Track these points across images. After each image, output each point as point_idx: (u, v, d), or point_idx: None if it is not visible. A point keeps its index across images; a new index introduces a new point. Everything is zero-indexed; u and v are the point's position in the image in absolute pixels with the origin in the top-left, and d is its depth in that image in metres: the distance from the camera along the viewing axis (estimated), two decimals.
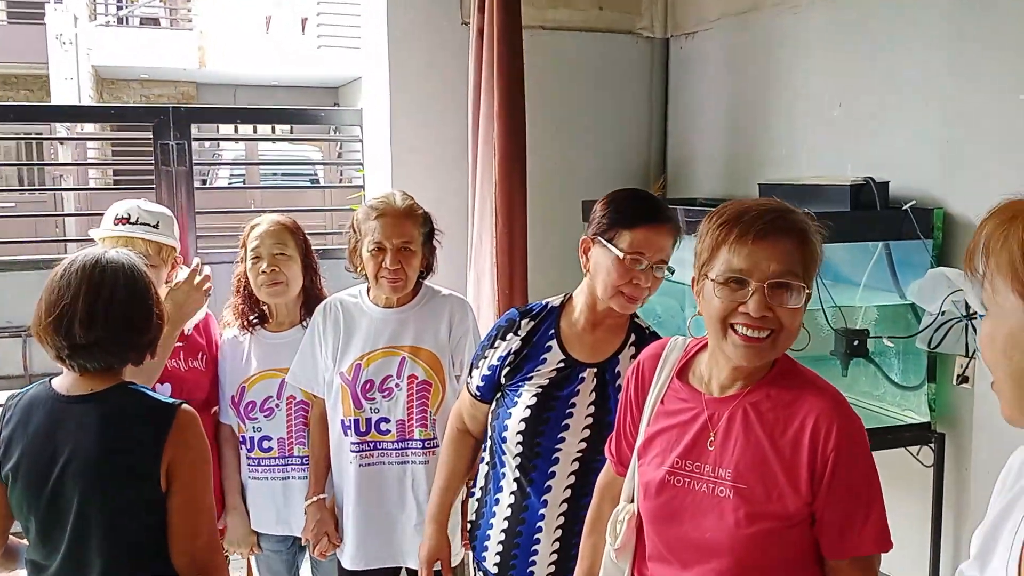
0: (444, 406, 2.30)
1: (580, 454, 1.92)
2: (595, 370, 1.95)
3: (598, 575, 1.72)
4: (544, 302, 2.07)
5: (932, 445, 2.45)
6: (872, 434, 2.30)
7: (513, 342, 2.01)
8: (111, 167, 9.33)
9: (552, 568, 1.94)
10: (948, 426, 2.45)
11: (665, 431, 1.58)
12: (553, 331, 2.01)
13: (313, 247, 2.60)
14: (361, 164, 3.69)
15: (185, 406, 1.77)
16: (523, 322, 2.04)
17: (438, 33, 3.19)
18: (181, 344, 2.51)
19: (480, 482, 2.09)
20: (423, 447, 2.32)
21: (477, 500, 2.08)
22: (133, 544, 1.74)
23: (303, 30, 13.63)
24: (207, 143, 10.26)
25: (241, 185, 5.98)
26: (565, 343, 1.99)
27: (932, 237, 2.40)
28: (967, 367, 2.37)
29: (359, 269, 2.34)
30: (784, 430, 1.48)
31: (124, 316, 1.74)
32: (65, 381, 1.78)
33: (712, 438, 1.52)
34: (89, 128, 7.08)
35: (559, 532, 1.93)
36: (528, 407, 1.94)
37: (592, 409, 1.93)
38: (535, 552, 1.96)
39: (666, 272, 1.91)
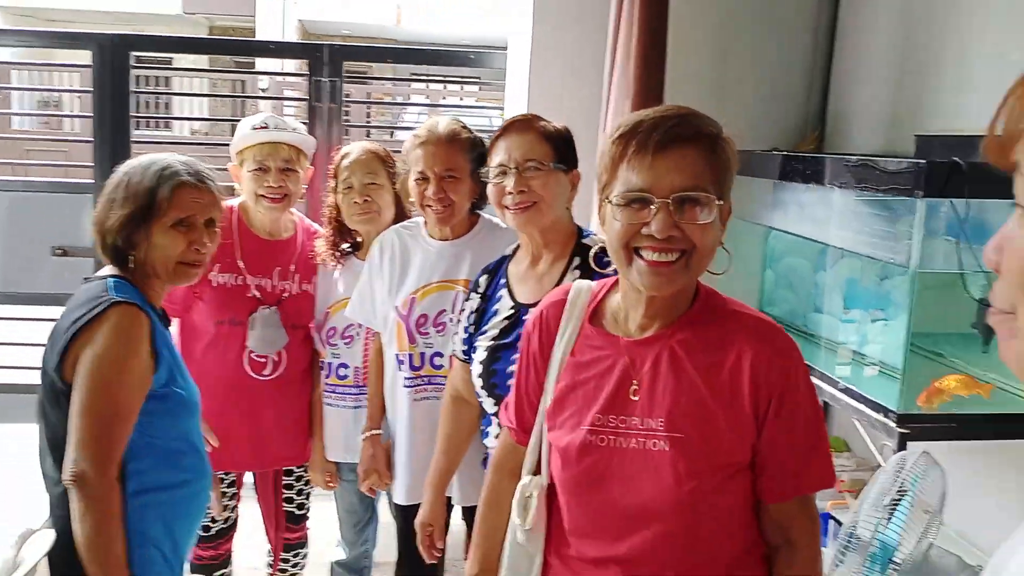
0: None
1: None
2: None
3: (498, 561, 1.53)
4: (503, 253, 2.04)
5: None
6: (1012, 422, 2.05)
7: (474, 300, 1.99)
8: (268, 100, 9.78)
9: None
10: None
11: (580, 385, 1.41)
12: (504, 279, 1.96)
13: None
14: (502, 108, 3.61)
15: (123, 305, 1.72)
16: (481, 279, 2.01)
17: None
18: (295, 268, 2.55)
19: None
20: None
21: None
22: (53, 437, 1.74)
23: None
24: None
25: (387, 125, 6.15)
26: (513, 288, 1.94)
27: None
28: None
29: (410, 200, 2.29)
30: (719, 367, 1.30)
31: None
32: None
33: (635, 386, 1.33)
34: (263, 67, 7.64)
35: None
36: (480, 363, 1.88)
37: None
38: None
39: (552, 167, 1.89)
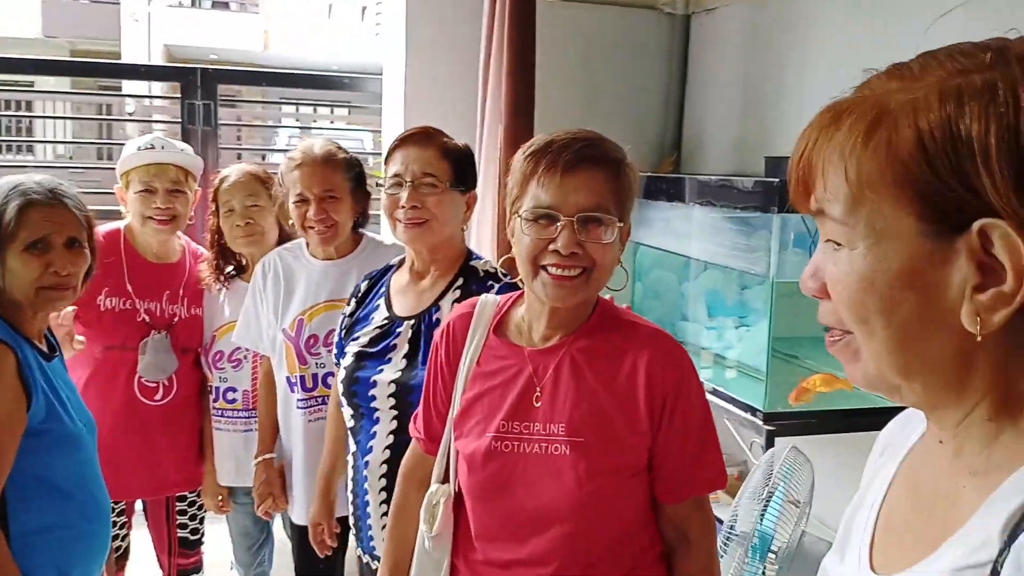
0: None
1: (395, 412, 1.80)
2: (412, 322, 1.85)
3: (407, 570, 1.58)
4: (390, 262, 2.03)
5: None
6: (865, 415, 2.24)
7: (350, 306, 1.99)
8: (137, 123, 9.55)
9: (384, 528, 1.80)
10: None
11: (485, 394, 1.46)
12: (384, 289, 1.95)
13: None
14: (379, 131, 3.68)
15: None
16: (363, 284, 2.01)
17: (457, 4, 3.12)
18: (184, 292, 2.53)
19: None
20: None
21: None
22: None
23: (363, 16, 13.75)
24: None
25: (260, 148, 6.04)
26: (392, 299, 1.92)
27: None
28: None
29: (290, 223, 2.29)
30: (616, 374, 1.39)
31: None
32: None
33: (538, 393, 1.41)
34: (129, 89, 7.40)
35: (383, 494, 1.82)
36: (345, 368, 1.89)
37: (403, 363, 1.82)
38: (368, 514, 1.88)
39: (449, 186, 1.84)
